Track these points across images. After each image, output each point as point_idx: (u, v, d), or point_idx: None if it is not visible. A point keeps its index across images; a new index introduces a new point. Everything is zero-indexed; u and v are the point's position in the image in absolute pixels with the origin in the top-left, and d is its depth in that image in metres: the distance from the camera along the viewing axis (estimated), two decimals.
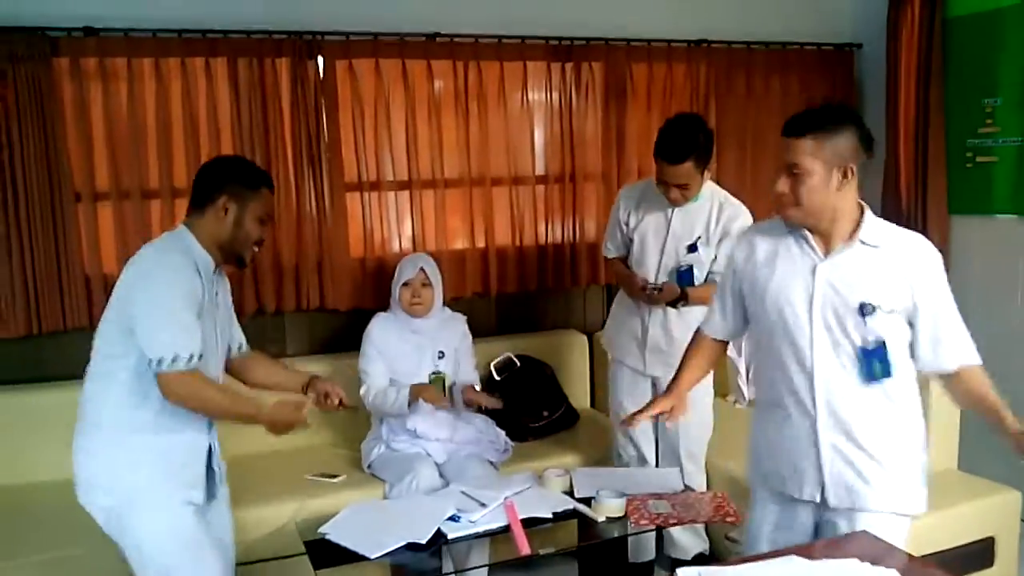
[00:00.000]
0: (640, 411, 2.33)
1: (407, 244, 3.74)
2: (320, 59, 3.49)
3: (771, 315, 2.03)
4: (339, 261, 3.58)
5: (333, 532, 2.42)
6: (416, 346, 3.19)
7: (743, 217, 2.96)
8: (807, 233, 1.98)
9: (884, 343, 1.93)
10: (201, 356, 2.11)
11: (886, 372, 1.95)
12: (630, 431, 3.10)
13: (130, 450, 2.17)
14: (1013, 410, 2.69)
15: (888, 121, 4.15)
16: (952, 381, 2.02)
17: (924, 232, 3.89)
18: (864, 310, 1.91)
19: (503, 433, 3.30)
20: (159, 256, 2.16)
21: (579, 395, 3.88)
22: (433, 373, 3.16)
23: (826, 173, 1.89)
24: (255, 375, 2.52)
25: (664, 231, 2.99)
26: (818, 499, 2.04)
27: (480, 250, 3.86)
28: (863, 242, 1.94)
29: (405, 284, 3.17)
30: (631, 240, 3.09)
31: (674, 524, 2.56)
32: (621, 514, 2.53)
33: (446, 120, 3.71)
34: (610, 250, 3.21)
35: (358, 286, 3.67)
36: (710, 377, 3.17)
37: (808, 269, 1.97)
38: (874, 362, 1.94)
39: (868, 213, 1.97)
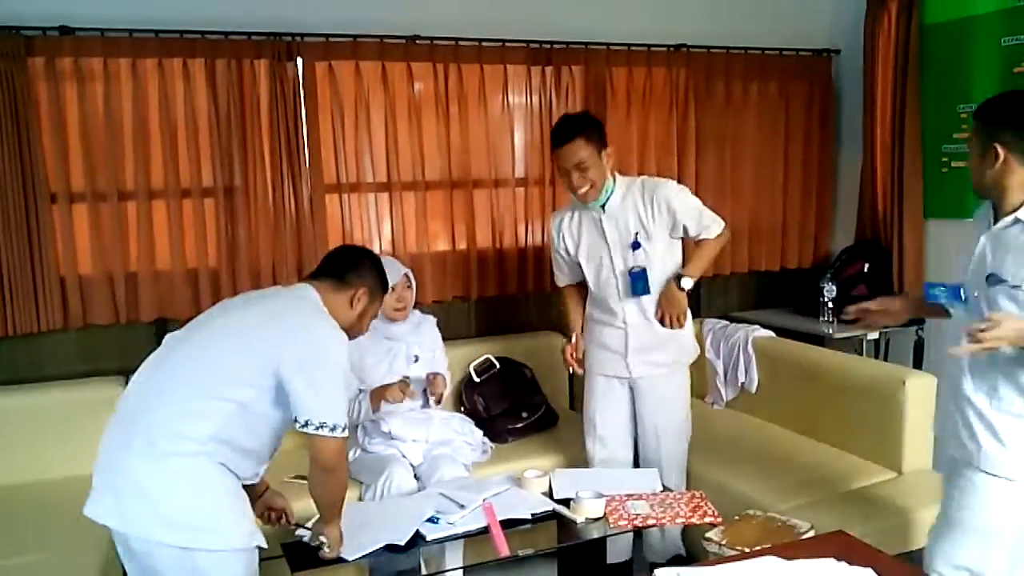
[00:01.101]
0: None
1: (387, 246, 3.73)
2: (299, 60, 3.47)
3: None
4: (318, 263, 3.55)
5: (310, 534, 2.40)
6: (388, 351, 3.16)
7: (668, 187, 2.94)
8: (992, 207, 2.11)
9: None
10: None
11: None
12: (604, 437, 3.10)
13: (212, 479, 2.01)
14: None
15: (865, 126, 4.19)
16: None
17: (900, 235, 4.00)
18: (990, 280, 2.00)
19: (480, 433, 3.30)
20: (328, 325, 2.13)
21: (558, 396, 3.88)
22: (403, 379, 3.08)
23: (981, 151, 2.05)
24: None
25: (602, 242, 2.96)
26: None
27: (461, 252, 3.86)
28: (1018, 219, 2.01)
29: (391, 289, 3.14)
30: (579, 265, 3.06)
31: (653, 525, 2.56)
32: (600, 515, 2.53)
33: (426, 122, 3.71)
34: (559, 277, 3.19)
35: None
36: (687, 386, 3.17)
37: (979, 237, 2.11)
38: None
39: None
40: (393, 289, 3.08)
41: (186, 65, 3.32)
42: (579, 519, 2.53)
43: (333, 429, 2.04)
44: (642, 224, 2.92)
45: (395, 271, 3.09)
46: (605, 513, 2.54)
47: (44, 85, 3.17)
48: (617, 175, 2.98)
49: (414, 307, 3.29)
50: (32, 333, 3.25)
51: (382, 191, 3.70)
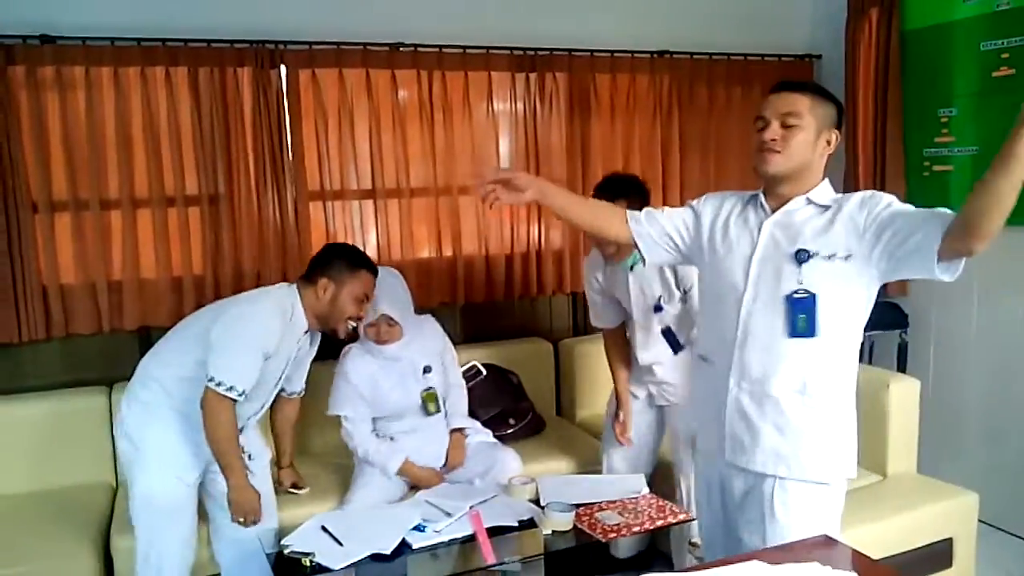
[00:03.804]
0: None
1: (372, 253, 3.72)
2: (283, 68, 3.47)
3: (717, 274, 2.07)
4: (303, 271, 3.53)
5: (297, 543, 2.40)
6: (399, 374, 3.04)
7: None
8: (762, 196, 2.04)
9: (814, 297, 1.91)
10: (244, 394, 2.47)
11: (809, 328, 1.91)
12: (623, 450, 3.10)
13: (159, 418, 2.55)
14: (973, 409, 2.63)
15: (847, 131, 4.22)
16: (960, 227, 1.72)
17: None
18: (799, 256, 1.92)
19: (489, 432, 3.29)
20: (261, 301, 2.58)
21: (545, 403, 3.88)
22: (425, 391, 3.06)
23: (816, 133, 1.95)
24: (274, 415, 3.00)
25: (627, 296, 2.96)
26: (718, 452, 2.06)
27: (447, 259, 3.85)
28: (810, 200, 1.97)
29: (370, 324, 2.99)
30: (616, 303, 3.04)
31: (624, 535, 2.54)
32: (568, 527, 2.52)
33: (411, 129, 3.71)
34: (595, 318, 3.14)
35: None
36: None
37: (756, 226, 2.01)
38: (799, 315, 1.92)
39: (826, 182, 2.01)
40: (372, 325, 2.97)
41: (169, 73, 3.30)
42: (546, 531, 2.52)
43: (219, 385, 2.42)
44: (666, 287, 2.87)
45: (371, 310, 2.93)
46: (575, 524, 2.53)
47: (25, 94, 3.15)
48: None
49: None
50: (13, 343, 3.22)
51: (367, 198, 3.69)
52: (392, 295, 2.99)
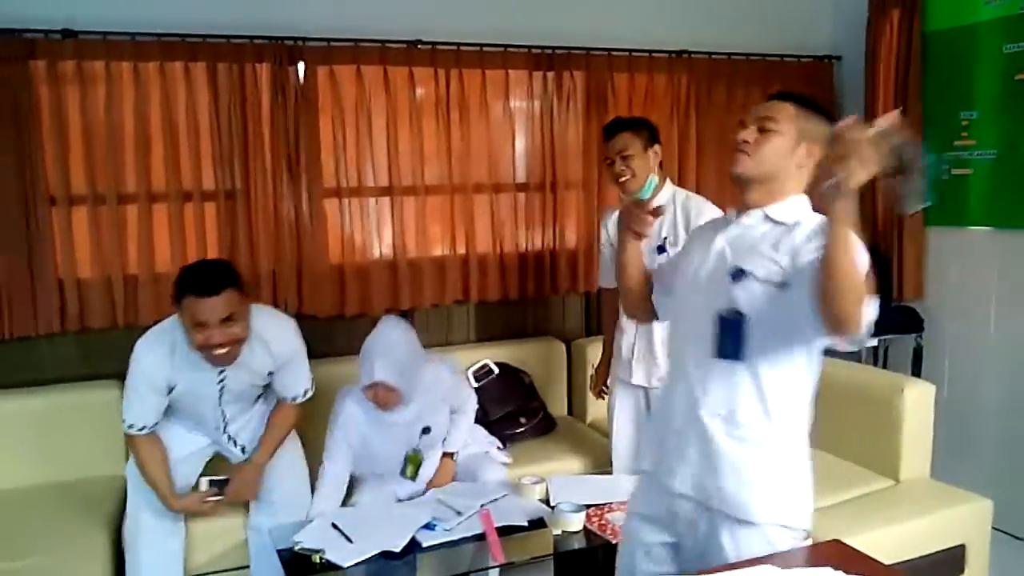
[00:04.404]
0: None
1: (387, 251, 3.73)
2: (301, 65, 3.48)
3: (679, 290, 1.99)
4: (317, 267, 3.56)
5: (306, 540, 2.41)
6: (391, 436, 2.89)
7: (707, 208, 2.91)
8: (735, 211, 1.92)
9: (743, 318, 1.77)
10: (145, 428, 2.63)
11: (735, 351, 1.78)
12: (617, 446, 3.13)
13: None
14: (988, 415, 2.53)
15: None
16: (822, 313, 1.58)
17: (899, 243, 3.99)
18: (734, 275, 1.80)
19: (496, 440, 3.29)
20: (147, 337, 2.63)
21: (557, 403, 3.88)
22: (411, 450, 2.91)
23: (794, 142, 1.82)
24: (270, 416, 2.88)
25: None
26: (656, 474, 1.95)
27: (461, 257, 3.85)
28: (768, 216, 1.84)
29: (368, 387, 2.75)
30: None
31: None
32: (579, 528, 2.51)
33: (427, 127, 3.71)
34: (604, 275, 3.19)
35: (337, 293, 3.65)
36: None
37: (713, 239, 1.91)
38: (725, 335, 1.79)
39: (798, 198, 1.85)
40: (370, 387, 2.75)
41: (188, 69, 3.32)
42: (556, 531, 2.52)
43: (130, 428, 2.62)
44: (673, 230, 2.91)
45: (366, 371, 2.72)
46: (585, 525, 2.52)
47: (46, 88, 3.18)
48: (669, 182, 3.01)
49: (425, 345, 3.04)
50: (30, 336, 3.25)
51: (383, 195, 3.69)
52: (390, 356, 2.72)
